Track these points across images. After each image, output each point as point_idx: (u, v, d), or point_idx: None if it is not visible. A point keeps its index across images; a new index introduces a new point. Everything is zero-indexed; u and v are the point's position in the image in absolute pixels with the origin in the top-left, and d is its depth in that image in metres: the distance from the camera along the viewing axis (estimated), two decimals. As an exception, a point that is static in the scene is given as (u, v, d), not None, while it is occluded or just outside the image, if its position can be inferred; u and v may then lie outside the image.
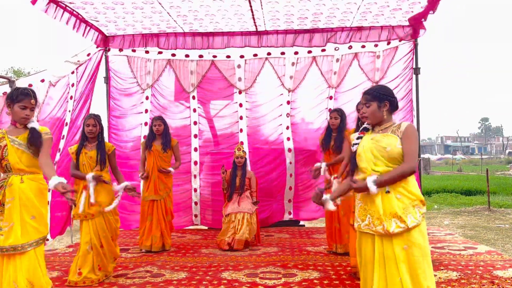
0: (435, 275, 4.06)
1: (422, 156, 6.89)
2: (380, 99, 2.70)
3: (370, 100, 2.72)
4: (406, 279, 2.48)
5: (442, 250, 5.24)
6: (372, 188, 2.54)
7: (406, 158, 2.59)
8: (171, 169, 5.54)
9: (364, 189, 2.59)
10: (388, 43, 6.55)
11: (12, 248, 2.83)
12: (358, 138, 2.75)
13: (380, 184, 2.55)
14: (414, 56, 6.41)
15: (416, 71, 6.39)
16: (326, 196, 2.85)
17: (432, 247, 5.32)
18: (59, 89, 6.06)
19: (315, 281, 4.09)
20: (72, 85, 6.12)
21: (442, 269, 4.34)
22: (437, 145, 74.82)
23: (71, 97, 6.03)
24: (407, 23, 6.14)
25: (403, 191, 2.58)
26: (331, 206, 2.81)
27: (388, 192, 2.57)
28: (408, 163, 2.57)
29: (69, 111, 6.05)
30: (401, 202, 2.56)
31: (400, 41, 6.40)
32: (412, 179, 2.65)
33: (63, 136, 5.91)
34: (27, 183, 2.94)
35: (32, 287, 2.88)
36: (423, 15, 5.69)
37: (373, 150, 2.63)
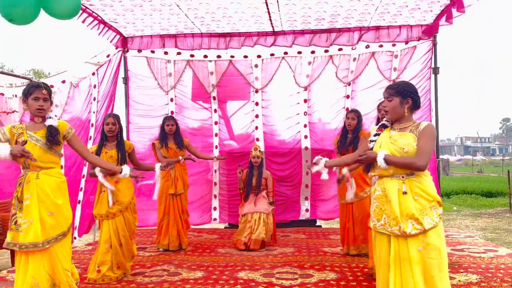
0: (454, 278, 4.02)
1: (441, 157, 6.79)
2: (403, 94, 2.66)
3: (392, 94, 2.67)
4: (419, 281, 2.45)
5: (462, 252, 5.16)
6: (381, 160, 2.53)
7: (418, 154, 2.54)
8: (180, 157, 5.54)
9: (371, 159, 2.59)
10: (406, 43, 6.48)
11: (32, 245, 2.84)
12: (375, 135, 2.72)
13: (389, 160, 2.55)
14: (433, 55, 6.33)
15: (435, 70, 6.31)
16: (322, 160, 2.85)
17: (451, 250, 5.24)
18: (82, 90, 6.21)
19: (332, 282, 4.08)
20: (94, 86, 6.26)
21: (462, 272, 4.27)
22: (456, 146, 73.61)
23: (94, 99, 6.16)
24: (425, 22, 6.07)
25: (420, 192, 2.55)
26: (325, 175, 2.79)
27: (405, 193, 2.54)
28: (420, 159, 2.53)
29: (94, 112, 6.18)
30: (418, 203, 2.53)
31: (418, 40, 6.32)
32: (429, 180, 2.62)
33: (90, 137, 6.05)
34: (43, 178, 2.93)
35: (53, 282, 2.90)
36: (448, 16, 5.54)
37: (390, 150, 2.61)
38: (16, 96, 6.26)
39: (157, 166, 4.62)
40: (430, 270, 2.46)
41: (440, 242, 2.53)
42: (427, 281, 2.46)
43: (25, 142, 2.93)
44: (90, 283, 4.12)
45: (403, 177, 2.59)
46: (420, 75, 6.45)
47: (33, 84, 3.02)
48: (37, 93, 2.95)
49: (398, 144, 2.60)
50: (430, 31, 6.09)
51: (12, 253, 5.27)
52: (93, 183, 5.95)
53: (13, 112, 6.21)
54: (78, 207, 5.90)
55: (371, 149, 2.71)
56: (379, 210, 2.64)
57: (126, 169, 3.70)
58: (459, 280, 4.00)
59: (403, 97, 2.66)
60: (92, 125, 6.07)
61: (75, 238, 6.06)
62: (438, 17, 5.83)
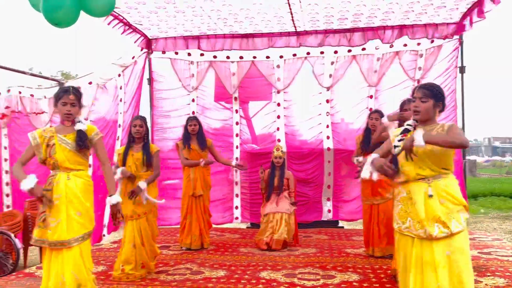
0: (481, 281, 3.94)
1: (467, 157, 6.65)
2: (437, 97, 2.62)
3: (428, 96, 2.60)
4: (445, 286, 2.41)
5: (489, 255, 5.03)
6: (419, 138, 2.39)
7: (453, 136, 2.47)
8: (201, 160, 5.50)
9: (410, 145, 2.43)
10: (432, 42, 6.36)
11: (59, 243, 2.94)
12: (400, 140, 2.66)
13: (428, 138, 2.40)
14: (460, 54, 6.21)
15: (462, 69, 6.18)
16: (372, 156, 2.64)
17: (478, 253, 5.12)
18: (108, 92, 6.36)
19: (355, 283, 4.05)
20: (121, 87, 6.40)
21: (488, 276, 4.17)
22: (484, 147, 71.67)
23: (120, 99, 6.30)
24: (452, 20, 5.95)
25: (447, 196, 2.51)
26: (365, 173, 2.65)
27: (431, 196, 2.50)
28: (459, 138, 2.45)
29: (121, 113, 6.32)
30: (445, 206, 2.49)
31: (444, 39, 6.20)
32: (456, 184, 2.58)
33: (118, 137, 6.19)
34: (73, 180, 3.03)
35: (77, 281, 2.97)
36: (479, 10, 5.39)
37: (419, 152, 2.54)
38: (45, 97, 6.45)
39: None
40: (460, 274, 2.41)
41: (467, 247, 2.50)
42: (455, 286, 2.41)
43: (53, 145, 3.04)
44: (115, 281, 4.20)
45: (429, 180, 2.55)
46: (445, 74, 6.33)
47: (62, 89, 3.12)
48: (65, 98, 3.06)
49: (426, 147, 2.53)
50: (458, 29, 5.96)
51: (41, 250, 5.43)
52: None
53: (42, 113, 6.40)
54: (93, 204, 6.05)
55: (397, 154, 2.64)
56: (404, 213, 2.60)
57: (142, 185, 3.95)
58: (486, 284, 3.91)
59: (436, 100, 2.62)
60: (120, 125, 6.21)
61: (104, 235, 6.22)
62: (465, 15, 5.71)
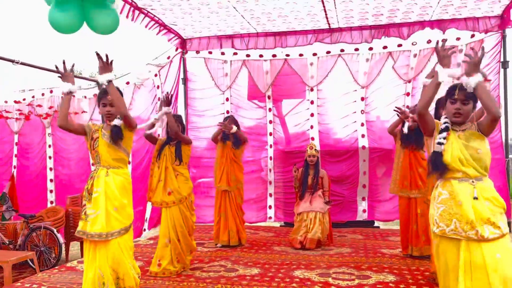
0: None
1: (510, 156, 6.37)
2: (475, 100, 2.58)
3: (470, 98, 2.56)
4: None
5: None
6: (473, 82, 2.43)
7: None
8: (233, 127, 5.46)
9: (473, 67, 2.45)
10: (472, 36, 6.13)
11: (97, 235, 3.03)
12: (444, 138, 2.58)
13: (481, 90, 2.44)
14: (502, 48, 5.96)
15: (504, 64, 5.94)
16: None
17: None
18: (146, 91, 6.53)
19: (391, 284, 3.97)
20: (158, 87, 6.56)
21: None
22: (528, 145, 68.43)
23: (158, 99, 6.45)
24: (493, 14, 5.71)
25: (490, 198, 2.45)
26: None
27: (476, 198, 2.43)
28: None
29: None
30: (490, 209, 2.41)
31: (486, 33, 5.96)
32: (494, 187, 2.52)
33: (159, 135, 6.36)
34: (112, 177, 3.15)
35: (116, 275, 3.07)
36: None
37: (463, 152, 2.50)
38: (85, 97, 6.69)
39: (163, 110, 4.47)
40: (509, 277, 2.31)
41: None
42: None
43: (97, 138, 3.20)
44: (152, 276, 4.31)
45: (473, 181, 2.47)
46: (487, 69, 6.07)
47: (102, 90, 3.26)
48: (104, 99, 3.22)
49: (472, 145, 2.50)
50: (501, 23, 5.73)
51: (82, 245, 5.64)
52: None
53: (82, 112, 6.65)
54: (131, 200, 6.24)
55: (441, 152, 2.56)
56: (448, 215, 2.49)
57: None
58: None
59: (475, 102, 2.59)
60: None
61: (144, 230, 6.40)
62: (508, 8, 5.47)
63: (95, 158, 3.22)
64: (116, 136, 3.16)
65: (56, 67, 3.22)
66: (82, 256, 5.35)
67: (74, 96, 6.46)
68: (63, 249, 5.53)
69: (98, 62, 3.16)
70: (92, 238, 3.06)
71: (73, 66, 3.27)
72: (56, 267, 4.86)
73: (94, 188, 3.12)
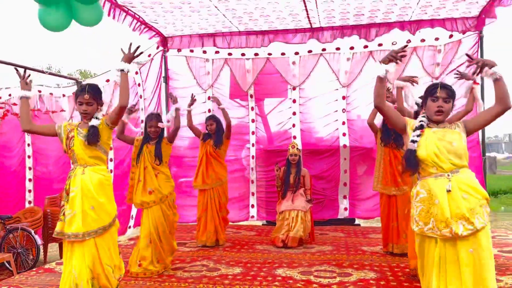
0: (501, 280, 3.86)
1: (487, 154, 6.51)
2: (454, 99, 2.65)
3: (450, 96, 2.63)
4: (469, 285, 2.37)
5: (509, 254, 4.93)
6: (499, 73, 2.54)
7: (490, 107, 2.64)
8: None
9: (489, 64, 2.56)
10: (450, 37, 6.25)
11: (73, 235, 2.99)
12: (418, 136, 2.63)
13: (500, 77, 2.55)
14: (479, 49, 6.08)
15: (481, 65, 6.05)
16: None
17: (498, 251, 5.02)
18: None
19: (371, 281, 4.01)
20: (139, 84, 6.50)
21: (509, 274, 4.08)
22: (504, 143, 70.19)
23: (140, 96, 6.40)
24: (471, 15, 5.83)
25: (469, 190, 2.47)
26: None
27: (449, 191, 2.46)
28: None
29: (142, 109, 6.45)
30: (468, 202, 2.44)
31: (463, 33, 6.08)
32: (474, 177, 2.55)
33: (142, 133, 6.30)
34: (88, 175, 3.08)
35: (90, 274, 3.00)
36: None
37: (438, 146, 2.54)
38: (64, 95, 6.57)
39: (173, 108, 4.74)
40: (482, 272, 2.37)
41: (490, 242, 2.46)
42: (477, 283, 2.37)
43: (72, 137, 3.14)
44: (133, 277, 4.26)
45: (448, 175, 2.51)
46: (465, 70, 6.19)
47: (79, 88, 3.21)
48: (80, 98, 3.15)
49: (446, 139, 2.55)
50: (478, 23, 5.85)
51: (61, 246, 5.54)
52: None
53: (61, 111, 6.53)
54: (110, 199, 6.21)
55: (414, 149, 2.61)
56: (426, 213, 2.53)
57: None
58: (506, 283, 3.83)
59: (453, 101, 2.66)
60: (142, 121, 6.32)
61: (130, 227, 6.36)
62: (484, 9, 5.59)
63: (72, 158, 3.17)
64: (92, 137, 3.09)
65: (16, 70, 3.23)
66: (61, 257, 5.25)
67: (52, 94, 6.35)
68: (41, 250, 5.42)
69: (126, 51, 3.28)
70: (69, 238, 3.01)
71: (29, 75, 3.27)
72: (34, 269, 4.76)
73: (71, 188, 3.07)
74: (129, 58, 3.25)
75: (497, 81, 2.56)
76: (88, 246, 3.02)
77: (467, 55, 2.81)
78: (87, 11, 3.83)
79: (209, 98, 5.63)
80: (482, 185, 5.99)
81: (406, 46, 2.88)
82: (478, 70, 2.60)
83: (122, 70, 3.21)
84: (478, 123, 2.68)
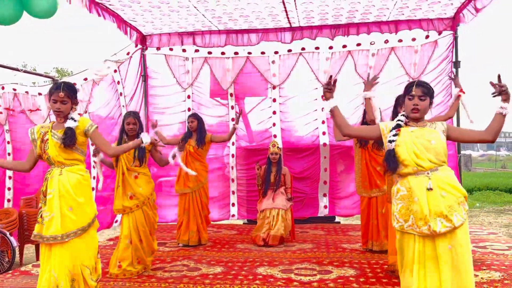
0: (477, 275, 3.95)
1: (462, 152, 6.66)
2: (431, 96, 2.69)
3: (426, 94, 2.66)
4: (447, 280, 2.42)
5: (484, 249, 5.07)
6: (507, 109, 2.54)
7: (478, 131, 2.66)
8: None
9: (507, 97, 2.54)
10: (427, 37, 6.37)
11: (52, 238, 2.93)
12: (395, 135, 2.67)
13: (506, 114, 2.56)
14: (454, 49, 6.22)
15: (456, 64, 6.20)
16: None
17: (474, 247, 5.15)
18: (106, 88, 6.41)
19: (351, 278, 4.06)
20: (118, 82, 6.44)
21: (484, 269, 4.20)
22: (479, 141, 71.86)
23: (120, 94, 6.36)
24: (446, 16, 5.96)
25: (448, 188, 2.51)
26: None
27: (430, 189, 2.50)
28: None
29: (123, 106, 6.40)
30: (446, 199, 2.49)
31: (439, 34, 6.22)
32: (453, 175, 2.60)
33: (116, 138, 6.25)
34: (66, 175, 3.01)
35: (70, 276, 2.94)
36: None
37: (416, 144, 2.57)
38: (40, 94, 6.44)
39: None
40: (460, 267, 2.42)
41: (468, 239, 2.52)
42: (455, 279, 2.42)
43: (47, 140, 3.04)
44: (112, 278, 4.20)
45: (428, 173, 2.55)
46: (441, 69, 6.34)
47: (53, 86, 3.10)
48: (54, 96, 3.04)
49: (424, 137, 2.58)
50: (453, 24, 5.99)
51: (37, 248, 5.42)
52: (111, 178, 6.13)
53: (37, 110, 6.39)
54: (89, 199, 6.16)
55: (393, 149, 2.65)
56: (406, 211, 2.57)
57: (146, 137, 3.65)
58: (481, 278, 3.93)
59: (431, 98, 2.69)
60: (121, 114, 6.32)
61: (116, 221, 6.34)
62: (459, 10, 5.72)
63: (47, 161, 3.07)
64: (70, 140, 3.00)
65: None
66: (37, 259, 5.14)
67: (27, 92, 6.22)
68: (17, 252, 5.29)
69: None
70: (47, 241, 2.95)
71: None
72: (10, 272, 4.66)
73: (48, 190, 2.99)
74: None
75: (501, 115, 2.57)
76: (67, 248, 2.96)
77: (497, 79, 2.67)
78: (39, 2, 3.67)
79: (233, 120, 5.73)
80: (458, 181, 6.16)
81: (335, 80, 2.85)
82: (497, 93, 2.59)
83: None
84: (461, 136, 2.74)
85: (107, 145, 3.27)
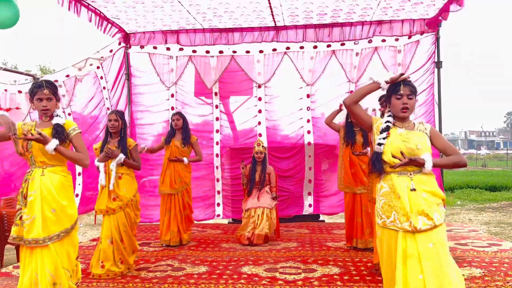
0: (457, 272, 4.02)
1: (444, 151, 6.73)
2: (416, 94, 2.74)
3: (413, 93, 2.71)
4: (430, 277, 2.45)
5: (465, 246, 5.16)
6: (429, 164, 2.57)
7: (456, 152, 2.73)
8: (185, 159, 5.49)
9: (419, 163, 2.58)
10: (409, 37, 6.45)
11: (34, 241, 2.85)
12: (384, 138, 2.69)
13: (436, 164, 2.63)
14: (436, 49, 6.31)
15: (438, 64, 6.29)
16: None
17: (455, 244, 5.24)
18: (87, 84, 6.36)
19: (335, 276, 4.09)
20: (101, 77, 6.40)
21: (465, 266, 4.27)
22: (460, 140, 73.26)
23: (104, 87, 6.36)
24: (428, 16, 6.04)
25: (428, 190, 2.57)
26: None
27: (413, 190, 2.55)
28: (461, 156, 2.72)
29: (107, 98, 6.37)
30: (427, 200, 2.55)
31: (421, 34, 6.30)
32: (434, 179, 2.67)
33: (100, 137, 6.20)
34: (48, 176, 2.94)
35: (52, 279, 2.88)
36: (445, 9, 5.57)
37: (402, 148, 2.61)
38: (20, 92, 6.31)
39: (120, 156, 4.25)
40: (444, 265, 2.46)
41: (446, 239, 2.57)
42: (439, 277, 2.45)
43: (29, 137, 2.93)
44: (95, 279, 4.14)
45: (410, 174, 2.60)
46: (424, 69, 6.42)
47: (36, 84, 3.03)
48: (39, 94, 2.98)
49: (412, 142, 2.62)
50: (433, 23, 6.07)
51: (18, 249, 5.31)
52: (93, 179, 6.06)
53: (17, 108, 6.26)
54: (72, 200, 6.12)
55: (381, 153, 2.67)
56: (388, 207, 2.61)
57: (119, 158, 3.81)
58: (462, 274, 3.99)
59: (416, 97, 2.74)
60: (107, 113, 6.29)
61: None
62: (441, 10, 5.80)
63: (29, 160, 2.99)
64: (59, 137, 2.93)
65: None
66: (18, 261, 5.04)
67: (6, 90, 6.10)
68: (-3, 254, 5.18)
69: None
70: (29, 244, 2.86)
71: None
72: (-11, 274, 4.56)
73: (29, 192, 2.90)
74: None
75: (435, 166, 2.66)
76: (49, 250, 2.89)
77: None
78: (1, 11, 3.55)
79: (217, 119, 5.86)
80: (439, 180, 6.24)
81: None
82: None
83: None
84: (441, 149, 2.80)
85: (84, 153, 3.11)
